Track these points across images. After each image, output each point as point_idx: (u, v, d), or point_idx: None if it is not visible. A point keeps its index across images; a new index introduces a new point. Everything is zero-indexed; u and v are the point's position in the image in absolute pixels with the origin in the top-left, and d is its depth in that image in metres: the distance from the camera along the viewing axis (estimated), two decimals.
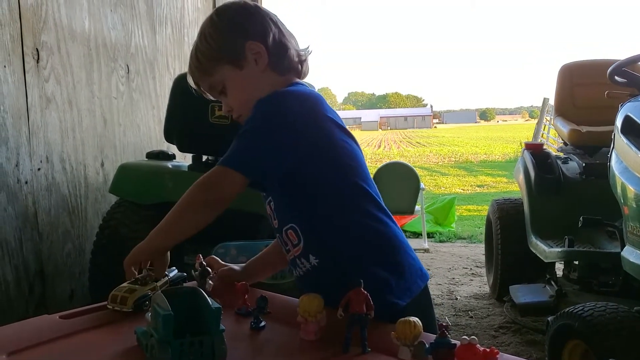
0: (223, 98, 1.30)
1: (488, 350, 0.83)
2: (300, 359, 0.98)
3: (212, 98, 1.34)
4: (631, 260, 2.15)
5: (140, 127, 3.57)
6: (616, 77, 2.70)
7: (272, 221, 1.29)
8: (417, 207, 5.23)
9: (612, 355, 1.90)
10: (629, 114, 2.44)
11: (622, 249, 2.25)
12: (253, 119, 1.18)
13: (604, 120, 2.81)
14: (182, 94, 2.60)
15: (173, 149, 2.90)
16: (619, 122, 2.53)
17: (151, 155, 2.92)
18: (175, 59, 4.02)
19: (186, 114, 2.59)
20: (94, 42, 3.04)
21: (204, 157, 2.77)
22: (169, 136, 2.72)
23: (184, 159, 3.16)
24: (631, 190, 2.20)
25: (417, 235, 5.68)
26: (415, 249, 4.75)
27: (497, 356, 0.83)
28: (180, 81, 2.65)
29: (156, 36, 3.77)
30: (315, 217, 1.21)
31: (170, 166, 2.72)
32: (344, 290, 1.01)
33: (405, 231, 5.91)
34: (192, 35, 4.33)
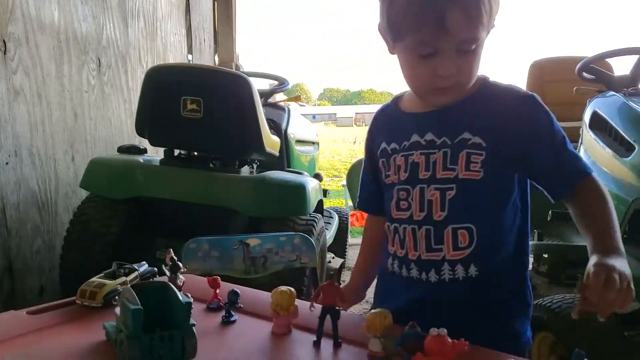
0: (459, 57, 1.02)
1: (457, 341, 0.84)
2: (272, 353, 0.98)
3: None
4: None
5: (111, 121, 3.52)
6: (584, 74, 2.75)
7: (422, 212, 1.08)
8: None
9: (580, 346, 1.93)
10: (597, 110, 2.49)
11: None
12: (559, 129, 1.08)
13: (574, 116, 2.86)
14: (154, 87, 2.58)
15: (145, 143, 2.87)
16: (586, 117, 2.58)
17: (122, 149, 2.90)
18: (148, 53, 3.96)
19: (158, 108, 2.57)
20: (64, 34, 2.98)
21: (176, 151, 2.75)
22: (141, 130, 2.69)
23: (156, 153, 3.13)
24: None
25: None
26: None
27: (466, 347, 0.84)
28: (152, 74, 2.62)
29: (128, 29, 3.71)
30: (498, 226, 1.08)
31: (141, 160, 2.70)
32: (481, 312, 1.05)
33: None
34: (165, 29, 4.28)
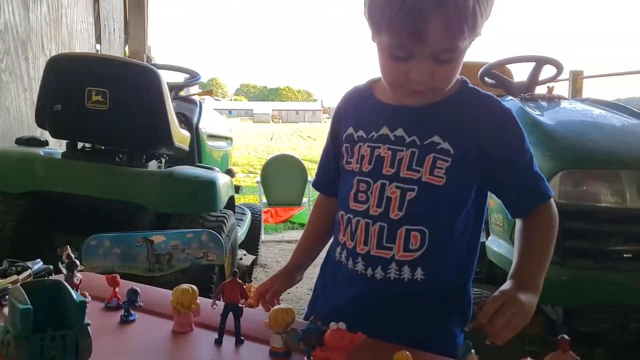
0: (435, 64, 0.99)
1: (355, 335, 0.87)
2: (172, 351, 0.97)
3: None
4: (494, 249, 2.33)
5: (10, 111, 3.32)
6: (486, 78, 2.90)
7: (379, 207, 1.07)
8: (305, 199, 5.31)
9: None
10: None
11: (487, 239, 2.42)
12: (528, 149, 1.09)
13: None
14: (57, 76, 2.47)
15: (46, 135, 2.74)
16: None
17: (21, 141, 2.77)
18: (52, 41, 3.77)
19: (60, 98, 2.47)
20: None
21: (80, 144, 2.64)
22: (41, 121, 2.57)
23: (59, 146, 3.00)
24: None
25: (304, 226, 5.77)
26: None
27: (362, 340, 0.87)
28: (54, 63, 2.51)
29: (30, 14, 3.51)
30: (450, 233, 1.08)
31: (42, 153, 2.58)
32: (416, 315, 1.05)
33: (292, 223, 5.97)
34: (71, 16, 4.08)
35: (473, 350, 0.80)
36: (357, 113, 1.17)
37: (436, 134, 1.05)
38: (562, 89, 6.34)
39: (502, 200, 1.11)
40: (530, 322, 2.48)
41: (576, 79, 6.25)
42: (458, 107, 1.07)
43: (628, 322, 2.05)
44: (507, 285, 0.98)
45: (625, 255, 2.09)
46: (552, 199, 1.09)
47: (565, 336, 0.76)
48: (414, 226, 1.05)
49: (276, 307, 0.96)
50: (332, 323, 0.87)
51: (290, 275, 1.26)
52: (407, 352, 0.80)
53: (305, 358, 0.92)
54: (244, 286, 1.02)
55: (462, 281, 1.13)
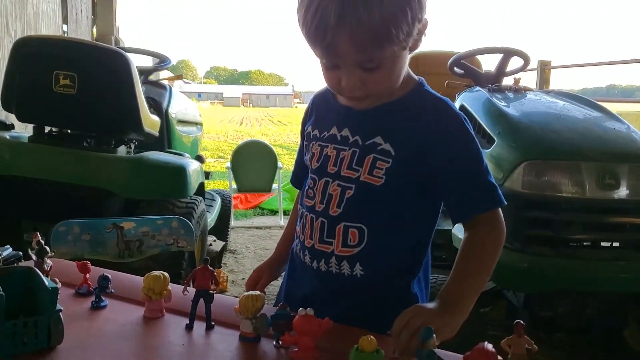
0: (363, 72, 1.01)
1: (323, 320, 0.90)
2: (143, 336, 0.99)
3: None
4: (459, 236, 2.39)
5: None
6: (455, 68, 2.95)
7: (322, 204, 1.11)
8: (275, 186, 5.32)
9: None
10: (464, 104, 2.68)
11: (453, 227, 2.48)
12: (477, 154, 1.07)
13: None
14: (23, 59, 2.43)
15: (12, 118, 2.69)
16: None
17: None
18: (17, 20, 3.68)
19: (27, 81, 2.43)
20: None
21: (47, 129, 2.60)
22: (7, 104, 2.52)
23: (25, 130, 2.95)
24: None
25: (274, 212, 5.78)
26: (271, 226, 4.82)
27: (330, 325, 0.90)
28: (21, 45, 2.47)
29: None
30: (391, 232, 1.10)
31: (7, 137, 2.54)
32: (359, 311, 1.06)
33: (262, 209, 5.98)
34: None
35: (434, 335, 0.84)
36: (318, 113, 1.21)
37: (379, 135, 1.07)
38: (530, 78, 6.47)
39: (444, 205, 1.12)
40: (494, 307, 2.56)
41: (544, 69, 6.37)
42: (405, 109, 1.08)
43: (585, 308, 2.13)
44: (432, 304, 0.98)
45: (584, 244, 2.17)
46: (498, 210, 1.07)
47: (521, 321, 0.80)
48: (352, 223, 1.08)
49: (246, 293, 0.99)
50: (300, 309, 0.91)
51: (274, 267, 1.30)
52: (372, 337, 0.84)
53: (275, 342, 0.95)
54: (214, 272, 1.05)
55: (407, 279, 1.14)
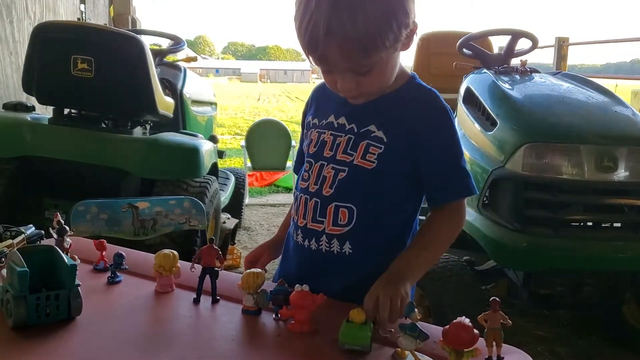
0: (357, 75, 1.10)
1: (317, 295, 0.99)
2: (154, 309, 1.08)
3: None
4: None
5: None
6: (464, 50, 2.96)
7: (316, 185, 1.19)
8: (289, 164, 5.39)
9: (443, 298, 2.19)
10: (470, 86, 2.72)
11: None
12: (457, 145, 1.17)
13: (456, 89, 3.08)
14: (43, 44, 2.51)
15: (33, 100, 2.79)
16: (461, 92, 2.81)
17: (8, 106, 2.81)
18: (36, 3, 3.76)
19: (47, 65, 2.52)
20: None
21: (66, 111, 2.70)
22: (28, 87, 2.62)
23: (45, 111, 3.04)
24: (466, 155, 2.48)
25: (289, 190, 5.87)
26: (285, 204, 4.86)
27: (323, 300, 0.99)
28: (40, 30, 2.55)
29: None
30: (380, 213, 1.17)
31: (29, 119, 2.64)
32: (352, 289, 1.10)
33: (277, 186, 6.07)
34: None
35: (416, 310, 0.92)
36: (317, 103, 1.30)
37: (372, 123, 1.16)
38: (547, 56, 6.41)
39: (424, 190, 1.20)
40: (495, 284, 2.61)
41: (562, 45, 6.31)
42: (398, 101, 1.17)
43: (582, 286, 2.20)
44: (378, 282, 1.07)
45: (581, 224, 2.22)
46: (464, 199, 1.18)
47: (497, 298, 0.87)
48: (343, 203, 1.16)
49: (248, 270, 1.08)
50: (297, 285, 1.00)
51: (275, 247, 1.37)
52: (361, 309, 0.93)
53: (274, 315, 1.04)
54: (220, 251, 1.13)
55: (394, 258, 1.17)
